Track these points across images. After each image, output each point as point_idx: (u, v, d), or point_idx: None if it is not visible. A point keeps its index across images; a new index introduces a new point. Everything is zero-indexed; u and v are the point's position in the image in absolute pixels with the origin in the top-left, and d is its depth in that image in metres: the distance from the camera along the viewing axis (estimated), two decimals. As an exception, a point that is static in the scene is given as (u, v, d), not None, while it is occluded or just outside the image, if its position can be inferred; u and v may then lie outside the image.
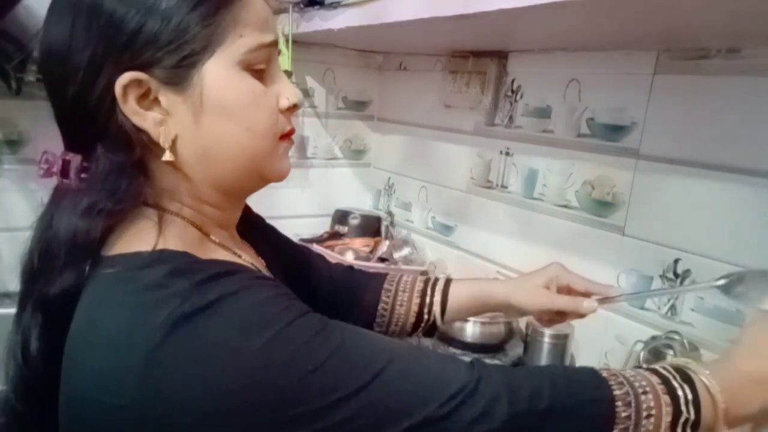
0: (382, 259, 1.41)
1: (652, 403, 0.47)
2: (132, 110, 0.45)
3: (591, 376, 0.50)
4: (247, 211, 0.66)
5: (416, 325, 0.78)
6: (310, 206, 1.60)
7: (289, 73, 1.30)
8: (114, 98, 0.44)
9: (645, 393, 0.48)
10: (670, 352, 0.87)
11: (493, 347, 1.11)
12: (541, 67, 1.16)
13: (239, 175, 0.51)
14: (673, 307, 0.95)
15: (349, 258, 1.36)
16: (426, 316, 0.77)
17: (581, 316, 0.72)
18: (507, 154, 1.25)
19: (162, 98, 0.46)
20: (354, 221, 1.54)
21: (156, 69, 0.45)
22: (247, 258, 0.56)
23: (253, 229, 0.66)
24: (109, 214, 0.45)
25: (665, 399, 0.48)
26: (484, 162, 1.31)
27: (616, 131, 1.02)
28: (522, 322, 1.12)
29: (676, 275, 0.94)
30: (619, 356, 1.00)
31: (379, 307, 0.77)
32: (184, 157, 0.48)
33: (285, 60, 1.27)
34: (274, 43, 0.50)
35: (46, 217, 0.48)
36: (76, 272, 0.45)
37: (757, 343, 0.56)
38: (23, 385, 0.47)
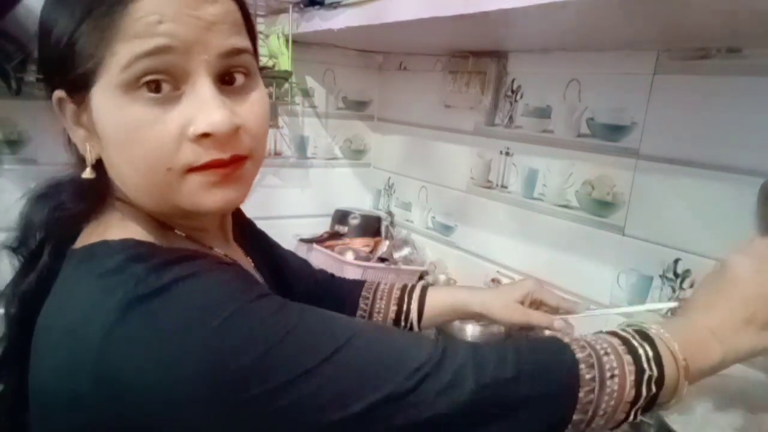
0: (382, 259, 1.40)
1: (614, 363, 0.48)
2: (67, 125, 0.47)
3: (553, 342, 0.51)
4: (239, 217, 0.68)
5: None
6: (310, 206, 1.60)
7: (288, 73, 1.30)
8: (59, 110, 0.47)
9: (607, 354, 0.49)
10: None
11: (493, 347, 1.11)
12: (541, 67, 1.16)
13: (156, 204, 0.48)
14: (673, 308, 0.95)
15: (349, 258, 1.36)
16: (403, 323, 0.78)
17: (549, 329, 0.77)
18: (507, 154, 1.25)
19: (83, 117, 0.46)
20: (354, 221, 1.54)
21: (66, 89, 0.45)
22: (219, 251, 0.55)
23: (242, 233, 0.66)
24: (74, 209, 0.47)
25: (627, 358, 0.48)
26: (484, 162, 1.31)
27: (616, 131, 1.02)
28: (522, 322, 1.12)
29: (676, 275, 0.94)
30: (619, 356, 0.99)
31: (357, 315, 0.78)
32: (112, 175, 0.48)
33: (285, 60, 1.27)
34: (161, 50, 0.41)
35: (30, 198, 0.50)
36: (44, 264, 0.47)
37: (711, 297, 0.57)
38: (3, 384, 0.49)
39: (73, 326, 0.40)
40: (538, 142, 1.17)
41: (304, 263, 0.83)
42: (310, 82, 1.55)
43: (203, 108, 0.43)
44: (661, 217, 0.96)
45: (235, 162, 0.45)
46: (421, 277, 1.43)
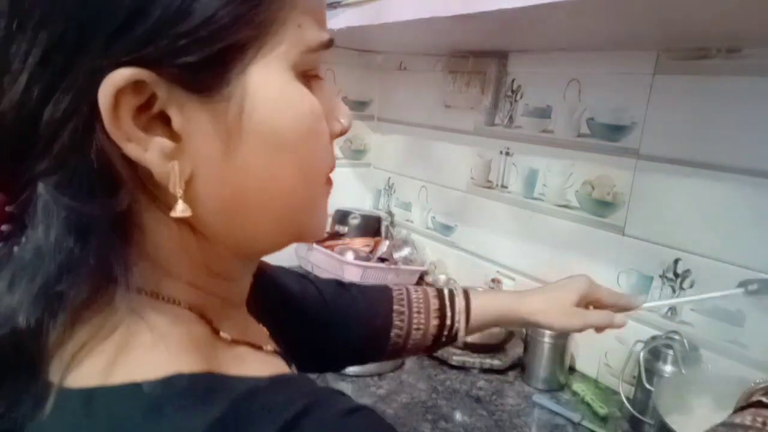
0: (382, 259, 1.41)
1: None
2: (126, 133, 0.28)
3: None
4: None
5: (434, 344, 0.69)
6: (310, 206, 1.60)
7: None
8: (92, 112, 0.27)
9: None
10: (670, 352, 0.87)
11: (493, 347, 1.11)
12: (541, 67, 1.16)
13: (275, 233, 0.35)
14: (673, 307, 0.95)
15: (349, 258, 1.36)
16: (444, 338, 0.68)
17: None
18: (507, 154, 1.25)
19: (175, 115, 0.29)
20: (354, 221, 1.54)
21: (170, 66, 0.28)
22: (261, 340, 0.40)
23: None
24: (59, 306, 0.28)
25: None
26: (484, 162, 1.31)
27: (616, 131, 1.02)
28: (522, 322, 1.12)
29: (676, 275, 0.94)
30: (619, 356, 1.00)
31: (392, 334, 0.65)
32: (203, 206, 0.31)
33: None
34: (331, 42, 0.34)
35: None
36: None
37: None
38: None
39: None
40: (538, 142, 1.17)
41: (308, 284, 0.64)
42: (310, 82, 1.55)
43: (338, 100, 0.37)
44: (661, 217, 0.96)
45: None
46: (421, 278, 1.44)
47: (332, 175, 0.37)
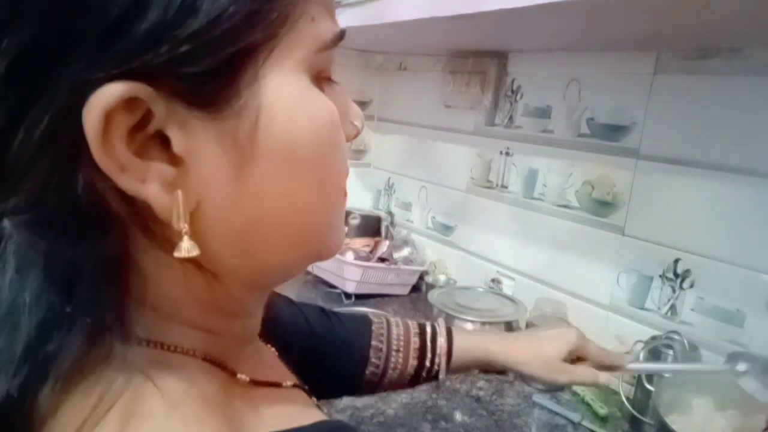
0: (382, 259, 1.40)
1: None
2: (118, 161, 0.23)
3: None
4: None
5: (411, 383, 0.65)
6: (310, 206, 1.60)
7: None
8: (76, 138, 0.22)
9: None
10: (670, 352, 0.87)
11: (493, 347, 1.11)
12: (541, 67, 1.16)
13: (291, 259, 0.30)
14: (673, 307, 0.95)
15: (349, 258, 1.36)
16: (423, 378, 0.64)
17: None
18: (507, 154, 1.25)
19: (175, 135, 0.24)
20: (354, 221, 1.54)
21: (171, 77, 0.23)
22: (278, 373, 0.37)
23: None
24: (46, 371, 0.24)
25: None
26: (484, 162, 1.31)
27: (616, 131, 1.02)
28: (522, 323, 1.12)
29: (676, 275, 0.94)
30: (619, 356, 1.00)
31: (368, 371, 0.61)
32: (209, 242, 0.26)
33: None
34: (344, 34, 0.30)
35: None
36: None
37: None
38: None
39: None
40: (538, 142, 1.17)
41: (299, 313, 0.60)
42: (310, 82, 1.55)
43: (350, 101, 0.33)
44: (661, 217, 0.96)
45: None
46: (421, 277, 1.44)
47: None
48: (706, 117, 0.89)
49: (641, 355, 0.89)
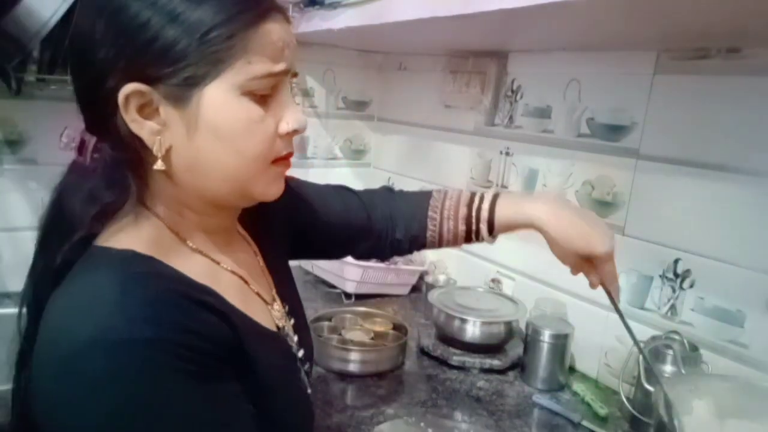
0: (382, 259, 1.41)
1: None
2: (131, 118, 0.47)
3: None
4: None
5: (466, 242, 0.80)
6: (310, 206, 1.60)
7: (294, 74, 1.30)
8: (116, 102, 0.46)
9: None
10: (670, 352, 0.87)
11: (493, 347, 1.11)
12: (541, 67, 1.16)
13: (225, 191, 0.52)
14: (673, 307, 0.95)
15: (349, 258, 1.36)
16: (474, 239, 0.79)
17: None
18: (507, 154, 1.25)
19: (161, 111, 0.47)
20: (354, 221, 1.54)
21: (161, 84, 0.46)
22: (228, 264, 0.56)
23: (263, 216, 0.65)
24: (102, 205, 0.49)
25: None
26: (484, 162, 1.31)
27: (616, 131, 1.02)
28: (522, 322, 1.12)
29: (676, 275, 0.94)
30: (619, 356, 1.00)
31: (427, 235, 0.79)
32: (175, 166, 0.49)
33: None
34: (284, 72, 0.50)
35: (58, 189, 0.51)
36: (65, 255, 0.47)
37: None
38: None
39: (50, 332, 0.44)
40: (538, 142, 1.17)
41: (348, 206, 0.80)
42: (310, 82, 1.55)
43: (292, 110, 0.52)
44: (661, 217, 0.96)
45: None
46: (421, 278, 1.44)
47: (294, 138, 0.54)
48: (706, 117, 0.89)
49: (641, 355, 0.89)
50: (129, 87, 0.45)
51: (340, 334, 1.11)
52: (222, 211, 0.56)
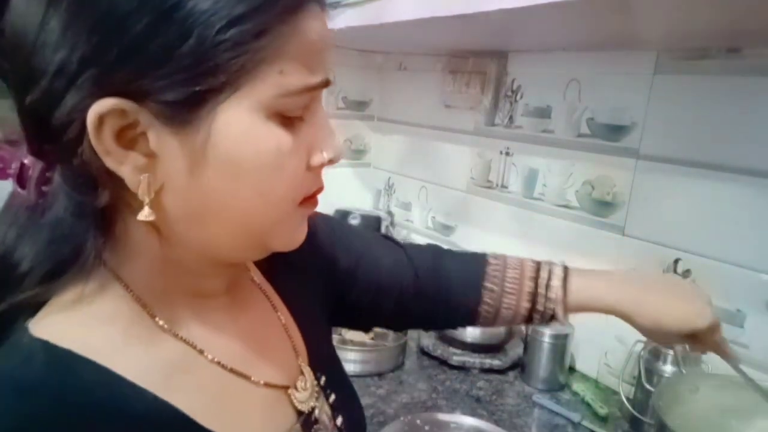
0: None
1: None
2: (105, 148, 0.32)
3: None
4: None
5: (528, 322, 0.66)
6: (310, 206, 1.60)
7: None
8: (81, 124, 0.32)
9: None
10: (670, 352, 0.87)
11: (494, 347, 1.11)
12: (541, 67, 1.16)
13: (236, 244, 0.38)
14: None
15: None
16: (538, 321, 0.65)
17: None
18: (507, 154, 1.25)
19: (151, 137, 0.33)
20: (354, 221, 1.54)
21: (152, 100, 0.32)
22: (218, 348, 0.41)
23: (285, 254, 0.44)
24: (52, 264, 0.36)
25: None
26: (484, 162, 1.31)
27: (616, 131, 1.02)
28: (522, 322, 1.12)
29: (676, 275, 0.94)
30: (619, 356, 1.00)
31: (481, 309, 0.63)
32: (168, 213, 0.35)
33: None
34: (323, 85, 0.36)
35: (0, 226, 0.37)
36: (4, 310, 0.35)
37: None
38: None
39: None
40: (538, 142, 1.17)
41: (398, 254, 0.64)
42: (310, 82, 1.55)
43: (328, 135, 0.39)
44: (661, 217, 0.96)
45: None
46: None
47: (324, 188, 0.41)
48: (706, 117, 0.89)
49: (641, 355, 0.89)
50: (104, 104, 0.31)
51: (340, 334, 1.11)
52: (224, 269, 0.43)
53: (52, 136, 0.33)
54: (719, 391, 0.72)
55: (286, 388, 0.44)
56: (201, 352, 0.40)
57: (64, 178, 0.35)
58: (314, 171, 0.39)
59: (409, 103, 1.56)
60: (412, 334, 1.15)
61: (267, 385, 0.43)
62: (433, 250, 0.67)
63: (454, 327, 0.73)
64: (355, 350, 1.02)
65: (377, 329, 1.14)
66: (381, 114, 1.67)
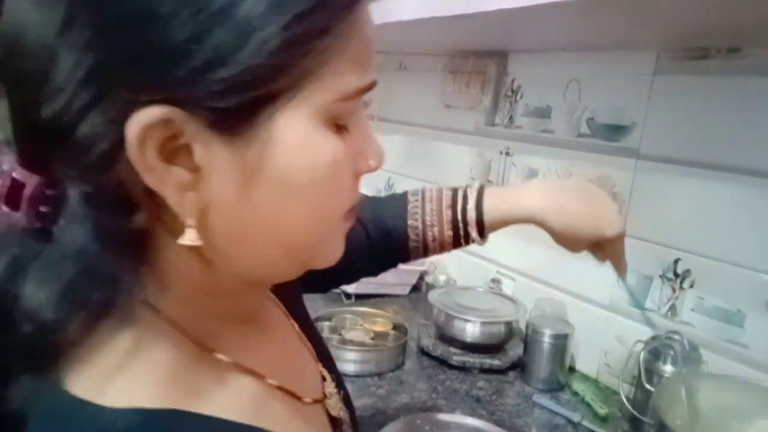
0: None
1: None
2: (147, 164, 0.28)
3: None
4: None
5: (454, 247, 0.70)
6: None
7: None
8: (120, 139, 0.27)
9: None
10: (670, 352, 0.87)
11: (493, 347, 1.11)
12: (541, 67, 1.16)
13: (278, 263, 0.35)
14: (673, 307, 0.95)
15: (349, 258, 1.36)
16: (463, 244, 0.69)
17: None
18: (507, 154, 1.25)
19: (197, 148, 0.29)
20: (354, 221, 1.54)
21: (202, 108, 0.28)
22: (275, 370, 0.39)
23: None
24: (79, 308, 0.29)
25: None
26: (484, 162, 1.31)
27: (616, 131, 1.02)
28: (522, 322, 1.12)
29: (676, 275, 0.94)
30: (619, 356, 1.00)
31: (410, 245, 0.67)
32: (212, 234, 0.31)
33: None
34: (372, 86, 0.34)
35: None
36: (20, 384, 0.29)
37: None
38: None
39: None
40: (538, 142, 1.17)
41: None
42: (310, 82, 1.55)
43: (372, 139, 0.37)
44: (661, 217, 0.96)
45: None
46: (421, 277, 1.44)
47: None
48: (706, 117, 0.89)
49: (641, 355, 0.89)
50: (149, 113, 0.27)
51: (340, 334, 1.11)
52: (258, 289, 0.40)
53: (71, 152, 0.28)
54: (719, 391, 0.72)
55: (323, 399, 0.44)
56: (262, 377, 0.37)
57: (87, 198, 0.29)
58: (357, 180, 0.37)
59: (409, 103, 1.56)
60: (412, 334, 1.15)
61: (314, 401, 0.42)
62: (369, 205, 0.67)
63: (391, 267, 0.72)
64: (355, 350, 1.02)
65: (377, 329, 1.14)
66: (381, 114, 1.67)
